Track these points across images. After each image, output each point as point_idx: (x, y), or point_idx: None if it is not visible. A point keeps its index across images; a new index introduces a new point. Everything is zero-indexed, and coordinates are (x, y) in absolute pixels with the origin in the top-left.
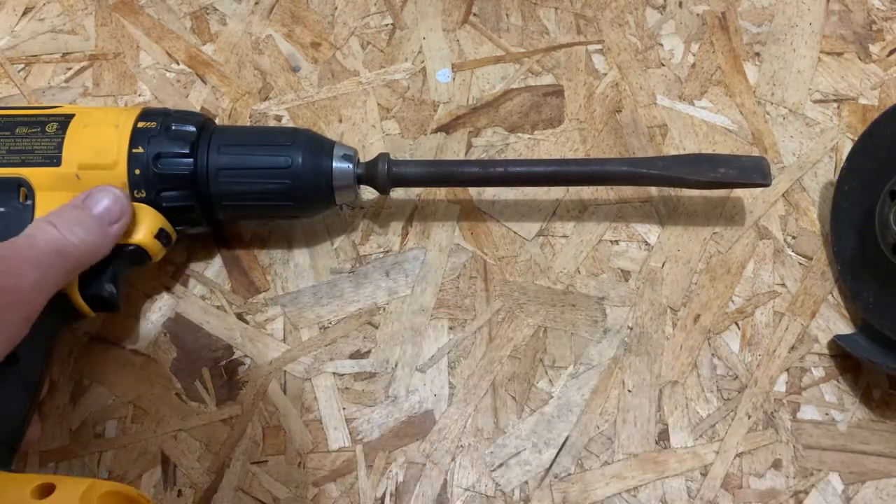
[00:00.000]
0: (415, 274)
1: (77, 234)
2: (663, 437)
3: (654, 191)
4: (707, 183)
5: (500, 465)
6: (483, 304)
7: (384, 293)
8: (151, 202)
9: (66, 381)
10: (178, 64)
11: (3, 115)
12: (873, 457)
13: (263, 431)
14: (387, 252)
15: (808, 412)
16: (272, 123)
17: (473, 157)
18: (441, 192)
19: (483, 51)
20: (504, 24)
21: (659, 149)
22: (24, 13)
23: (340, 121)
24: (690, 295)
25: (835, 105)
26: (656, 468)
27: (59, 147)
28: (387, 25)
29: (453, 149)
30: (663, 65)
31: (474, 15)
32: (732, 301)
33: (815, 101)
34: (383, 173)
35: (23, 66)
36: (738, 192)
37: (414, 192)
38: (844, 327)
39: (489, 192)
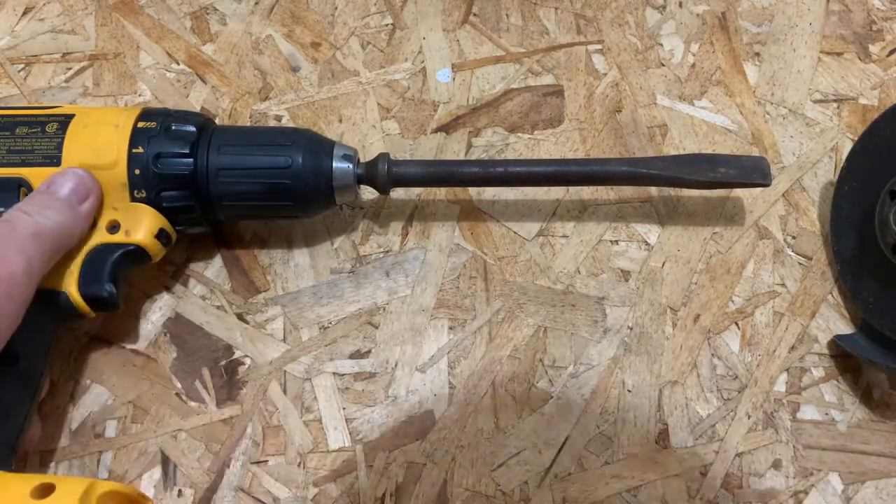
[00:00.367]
0: (415, 274)
1: (50, 218)
2: (663, 437)
3: (654, 191)
4: (707, 183)
5: (500, 465)
6: (483, 304)
7: (384, 293)
8: (151, 202)
9: (66, 381)
10: (178, 64)
11: (3, 115)
12: (873, 457)
13: (263, 431)
14: (387, 252)
15: (808, 412)
16: (272, 123)
17: (473, 157)
18: (441, 192)
19: (483, 51)
20: (504, 24)
21: (659, 149)
22: (24, 13)
23: (340, 121)
24: (690, 295)
25: (835, 105)
26: (656, 468)
27: (59, 147)
28: (387, 25)
29: (453, 149)
30: (663, 65)
31: (474, 15)
32: (732, 301)
33: (815, 101)
34: (383, 173)
35: (23, 66)
36: (738, 192)
37: (414, 192)
38: (844, 327)
39: (489, 192)
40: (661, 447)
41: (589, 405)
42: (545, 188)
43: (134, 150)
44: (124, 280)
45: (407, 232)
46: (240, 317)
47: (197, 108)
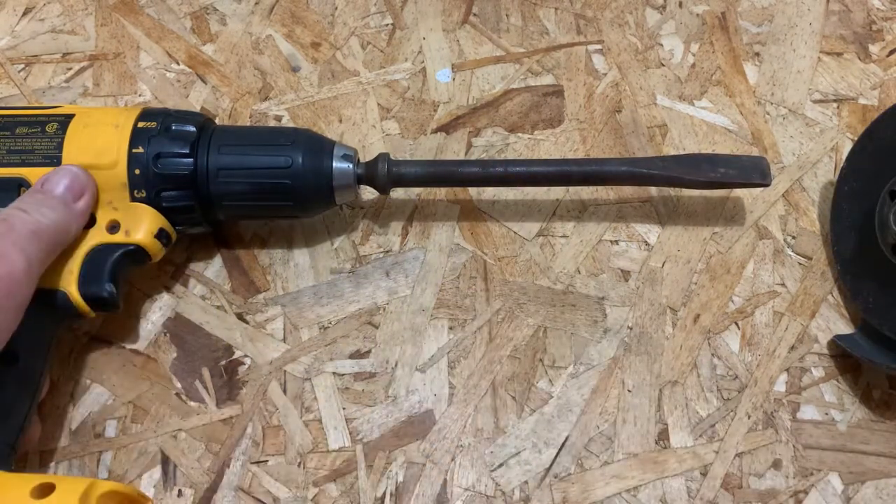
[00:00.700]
0: (415, 274)
1: (47, 216)
2: (663, 437)
3: (654, 191)
4: (707, 183)
5: (500, 465)
6: (483, 304)
7: (384, 293)
8: (151, 202)
9: (66, 381)
10: (178, 64)
11: (3, 115)
12: (873, 457)
13: (263, 431)
14: (387, 252)
15: (808, 412)
16: (272, 123)
17: (473, 157)
18: (441, 192)
19: (483, 51)
20: (504, 24)
21: (659, 149)
22: (25, 13)
23: (340, 121)
24: (690, 295)
25: (835, 105)
26: (656, 468)
27: (60, 147)
28: (387, 25)
29: (453, 149)
30: (663, 65)
31: (474, 15)
32: (732, 301)
33: (815, 101)
34: (383, 173)
35: (23, 66)
36: (738, 192)
37: (414, 192)
38: (844, 327)
39: (489, 192)
40: (661, 447)
41: (589, 405)
42: (545, 188)
43: (134, 150)
44: (124, 280)
45: (407, 232)
46: (240, 317)
47: (197, 108)
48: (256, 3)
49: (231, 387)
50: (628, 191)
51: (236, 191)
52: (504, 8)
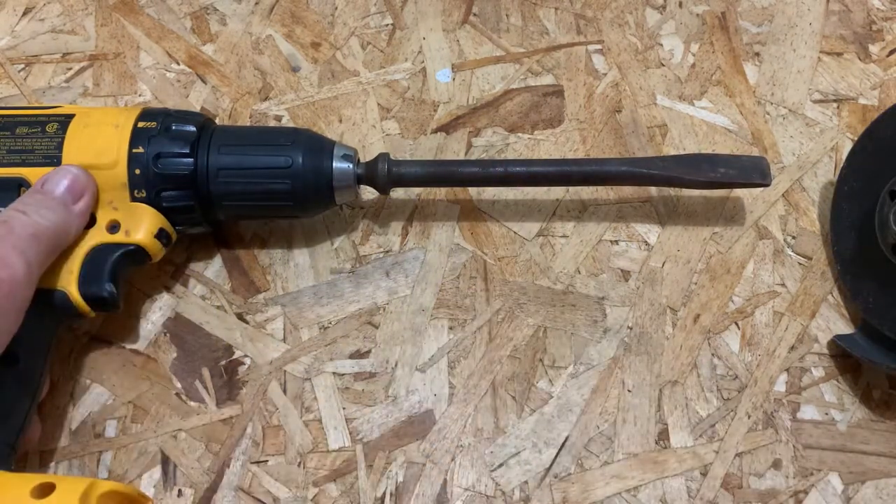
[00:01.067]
0: (415, 274)
1: (47, 217)
2: (663, 436)
3: (654, 191)
4: (707, 183)
5: (500, 465)
6: (483, 304)
7: (384, 293)
8: (151, 202)
9: (66, 381)
10: (178, 64)
11: (3, 115)
12: (873, 457)
13: (263, 431)
14: (387, 252)
15: (808, 412)
16: (272, 123)
17: (473, 157)
18: (441, 192)
19: (483, 51)
20: (504, 24)
21: (659, 149)
22: (25, 13)
23: (340, 121)
24: (690, 295)
25: (835, 105)
26: (656, 468)
27: (60, 147)
28: (387, 25)
29: (453, 149)
30: (663, 65)
31: (474, 15)
32: (732, 301)
33: (815, 101)
34: (383, 173)
35: (23, 66)
36: (738, 192)
37: (414, 192)
38: (844, 327)
39: (489, 192)
40: (661, 447)
41: (589, 405)
42: (545, 188)
43: (134, 150)
44: (124, 280)
45: (407, 232)
46: (240, 317)
47: (197, 108)
48: (256, 3)
49: (231, 387)
50: (628, 191)
51: (236, 191)
52: (504, 8)
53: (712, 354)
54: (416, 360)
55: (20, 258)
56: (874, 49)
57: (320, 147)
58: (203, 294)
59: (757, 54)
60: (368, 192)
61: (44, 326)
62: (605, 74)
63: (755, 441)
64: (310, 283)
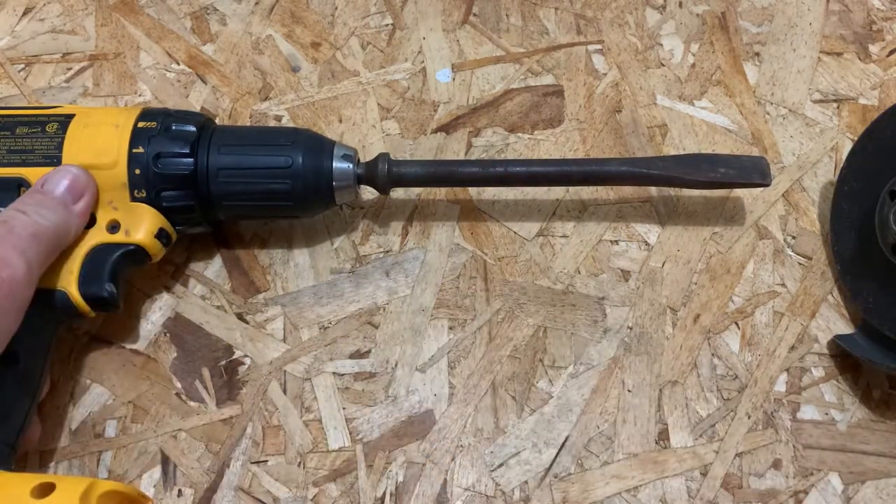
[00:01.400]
0: (415, 274)
1: (47, 217)
2: (663, 436)
3: (654, 191)
4: (707, 183)
5: (500, 465)
6: (483, 304)
7: (384, 293)
8: (151, 202)
9: (66, 381)
10: (178, 64)
11: (3, 115)
12: (873, 457)
13: (263, 431)
14: (387, 252)
15: (808, 412)
16: (272, 123)
17: (473, 157)
18: (441, 192)
19: (483, 51)
20: (504, 24)
21: (659, 149)
22: (25, 13)
23: (340, 121)
24: (690, 295)
25: (835, 105)
26: (656, 468)
27: (60, 147)
28: (387, 25)
29: (453, 149)
30: (663, 65)
31: (474, 15)
32: (732, 301)
33: (815, 101)
34: (383, 173)
35: (23, 66)
36: (738, 192)
37: (414, 192)
38: (844, 327)
39: (489, 192)
40: (661, 447)
41: (589, 405)
42: (545, 188)
43: (134, 150)
44: (124, 280)
45: (407, 232)
46: (240, 317)
47: (197, 108)
48: (256, 3)
49: (231, 387)
50: (628, 191)
51: (236, 191)
52: (504, 8)
53: (712, 354)
54: (416, 360)
55: (20, 258)
56: (874, 49)
57: (320, 147)
58: (203, 294)
59: (757, 54)
60: (368, 192)
61: (44, 326)
62: (605, 74)
63: (755, 441)
64: (310, 283)
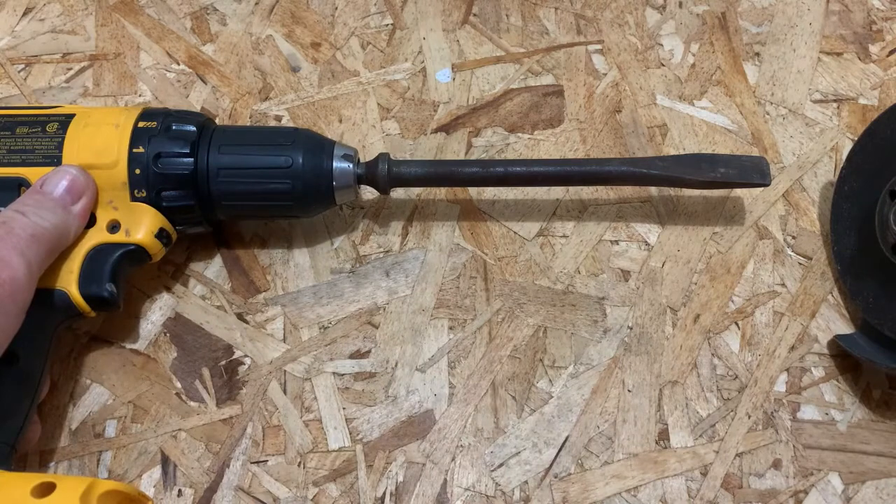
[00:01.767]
0: (415, 274)
1: (46, 218)
2: (663, 436)
3: (654, 191)
4: (707, 183)
5: (500, 465)
6: (483, 304)
7: (384, 293)
8: (151, 202)
9: (66, 381)
10: (178, 64)
11: (3, 115)
12: (873, 457)
13: (263, 431)
14: (387, 252)
15: (808, 412)
16: (272, 123)
17: (473, 157)
18: (441, 192)
19: (483, 51)
20: (504, 25)
21: (659, 149)
22: (25, 13)
23: (340, 121)
24: (690, 295)
25: (835, 105)
26: (656, 468)
27: (60, 147)
28: (387, 25)
29: (453, 149)
30: (663, 65)
31: (474, 15)
32: (732, 301)
33: (815, 101)
34: (383, 173)
35: (23, 66)
36: (738, 192)
37: (414, 192)
38: (844, 327)
39: (489, 192)
40: (662, 447)
41: (589, 405)
42: (545, 188)
43: (134, 150)
44: (124, 280)
45: (407, 232)
46: (240, 317)
47: (197, 108)
48: (256, 3)
49: (231, 387)
50: (628, 191)
51: (236, 191)
52: (504, 8)
53: (712, 354)
54: (416, 360)
55: (20, 259)
56: (874, 49)
57: (320, 147)
58: (203, 294)
59: (757, 54)
60: (368, 192)
61: (44, 326)
62: (605, 74)
63: (755, 441)
64: (310, 283)
